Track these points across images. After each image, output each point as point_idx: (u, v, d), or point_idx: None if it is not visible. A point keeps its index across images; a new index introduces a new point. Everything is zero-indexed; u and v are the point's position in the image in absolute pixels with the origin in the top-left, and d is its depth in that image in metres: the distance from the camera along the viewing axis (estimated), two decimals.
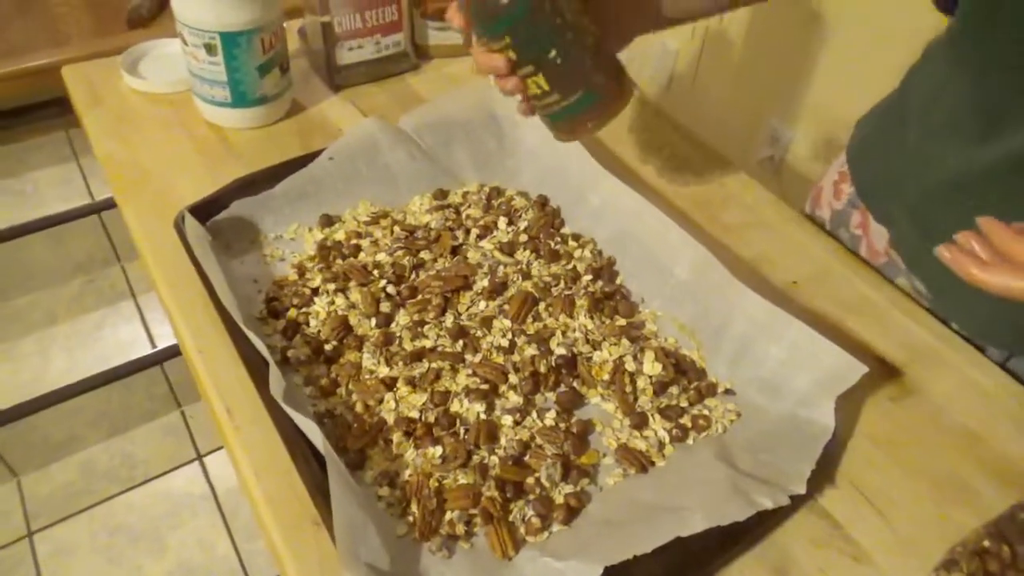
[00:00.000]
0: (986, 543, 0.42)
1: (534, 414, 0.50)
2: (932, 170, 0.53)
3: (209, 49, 0.65)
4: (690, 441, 0.49)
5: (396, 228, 0.62)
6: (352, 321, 0.55)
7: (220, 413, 0.50)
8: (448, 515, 0.45)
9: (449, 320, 0.55)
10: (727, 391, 0.52)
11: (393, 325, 0.55)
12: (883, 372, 0.54)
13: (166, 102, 0.74)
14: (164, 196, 0.64)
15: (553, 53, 0.47)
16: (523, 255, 0.60)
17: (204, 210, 0.59)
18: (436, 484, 0.46)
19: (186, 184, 0.65)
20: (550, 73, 0.48)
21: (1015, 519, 0.43)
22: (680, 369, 0.53)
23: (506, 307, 0.56)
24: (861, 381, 0.47)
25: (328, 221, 0.63)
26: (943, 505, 0.46)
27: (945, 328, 0.57)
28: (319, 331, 0.54)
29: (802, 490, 0.44)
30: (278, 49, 0.69)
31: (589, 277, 0.58)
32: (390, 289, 0.57)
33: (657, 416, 0.50)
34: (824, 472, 0.47)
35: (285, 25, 0.70)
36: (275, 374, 0.47)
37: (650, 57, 1.56)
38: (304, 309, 0.56)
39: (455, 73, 0.80)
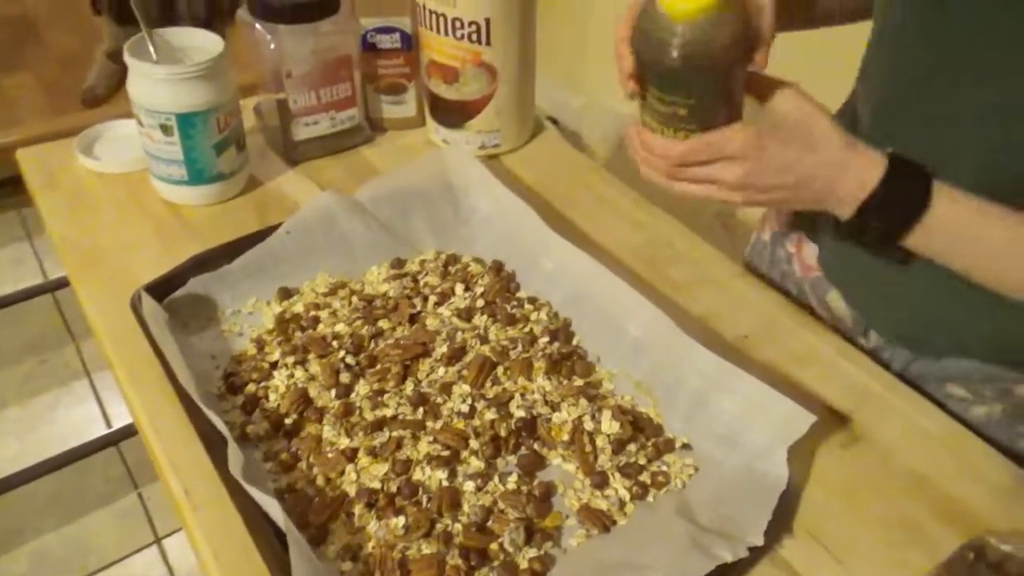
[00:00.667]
0: None
1: (496, 478, 0.50)
2: None
3: (165, 130, 0.66)
4: (650, 498, 0.50)
5: (354, 298, 0.62)
6: (312, 393, 0.55)
7: (178, 493, 0.49)
8: None
9: (409, 388, 0.56)
10: (684, 446, 0.53)
11: (353, 395, 0.55)
12: (833, 420, 0.55)
13: (122, 182, 0.75)
14: (120, 275, 0.64)
15: (712, 95, 0.47)
16: (480, 320, 0.61)
17: (161, 288, 0.60)
18: (399, 556, 0.46)
19: (143, 263, 0.65)
20: (702, 112, 0.47)
21: (964, 559, 0.44)
22: (638, 426, 0.54)
23: (465, 372, 0.57)
24: (812, 430, 0.49)
25: (286, 294, 0.63)
26: (897, 548, 0.48)
27: (889, 375, 0.59)
28: (278, 405, 0.54)
29: (760, 541, 0.45)
30: (234, 127, 0.70)
31: (546, 339, 0.60)
32: (349, 360, 0.57)
33: (617, 475, 0.51)
34: (781, 522, 0.48)
35: (241, 102, 0.72)
36: (234, 451, 0.47)
37: (601, 119, 1.61)
38: (263, 383, 0.56)
39: (409, 144, 0.83)
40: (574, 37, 1.68)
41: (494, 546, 0.47)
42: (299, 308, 0.62)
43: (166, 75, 0.64)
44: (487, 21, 0.71)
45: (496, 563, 0.46)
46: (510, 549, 0.46)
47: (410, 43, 0.78)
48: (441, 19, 0.72)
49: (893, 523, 0.49)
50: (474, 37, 0.72)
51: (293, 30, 0.71)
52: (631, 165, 0.53)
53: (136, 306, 0.58)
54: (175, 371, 0.52)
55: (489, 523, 0.48)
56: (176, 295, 0.60)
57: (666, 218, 0.74)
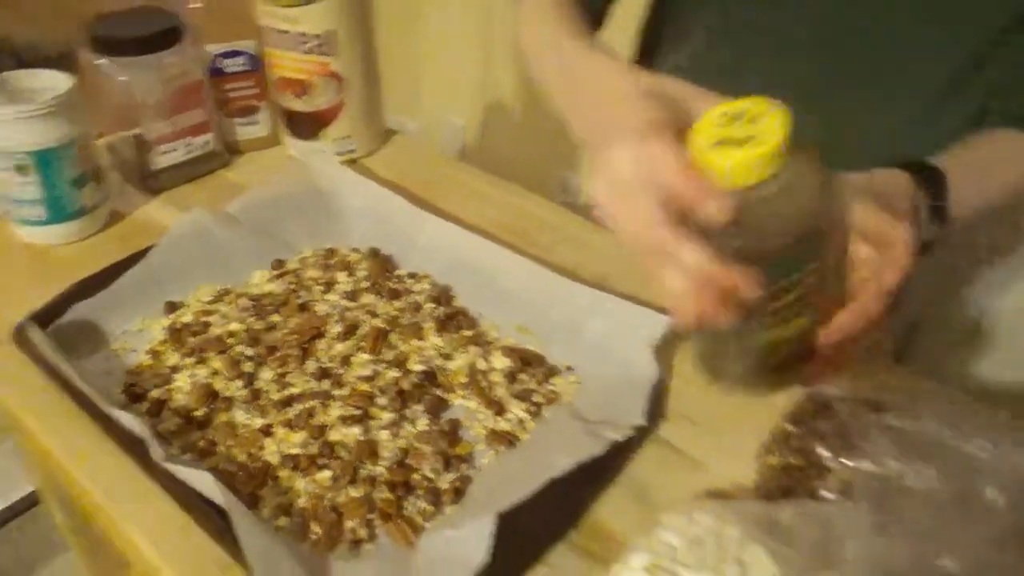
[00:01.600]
0: (788, 427, 0.52)
1: (407, 425, 0.55)
2: None
3: (21, 170, 0.67)
4: (545, 414, 0.56)
5: (242, 300, 0.65)
6: (217, 387, 0.57)
7: (101, 500, 0.50)
8: (349, 524, 0.48)
9: (311, 366, 0.59)
10: (568, 368, 0.60)
11: (258, 382, 0.58)
12: None
13: None
14: None
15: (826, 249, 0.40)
16: (367, 299, 0.66)
17: (43, 318, 0.60)
18: (331, 504, 0.49)
19: (9, 309, 0.64)
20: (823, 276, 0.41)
21: (812, 399, 0.53)
22: (525, 360, 0.60)
23: (362, 344, 0.61)
24: (673, 331, 0.57)
25: (172, 308, 0.65)
26: (759, 415, 0.56)
27: None
28: (185, 403, 0.56)
29: (643, 422, 0.52)
30: (91, 160, 0.71)
31: (431, 305, 0.65)
32: (248, 351, 0.60)
33: (513, 401, 0.57)
34: (659, 410, 0.55)
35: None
36: (151, 442, 0.49)
37: (439, 132, 1.69)
38: (166, 387, 0.58)
39: (268, 163, 0.86)
40: (407, 62, 1.76)
41: (416, 476, 0.51)
42: (188, 318, 0.64)
43: (17, 114, 0.65)
44: (330, 34, 0.76)
45: (420, 491, 0.50)
46: (431, 476, 0.51)
47: (257, 64, 0.82)
48: (287, 36, 0.76)
49: (753, 397, 0.58)
50: (321, 49, 0.77)
51: (139, 62, 0.74)
52: None
53: (21, 336, 0.58)
54: (77, 385, 0.53)
55: (408, 460, 0.52)
56: (61, 322, 0.60)
57: (525, 193, 0.81)
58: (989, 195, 0.59)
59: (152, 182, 0.79)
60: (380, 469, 0.52)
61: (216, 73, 0.81)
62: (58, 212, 0.70)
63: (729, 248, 0.36)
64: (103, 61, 0.73)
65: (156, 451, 0.48)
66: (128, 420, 0.50)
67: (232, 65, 0.82)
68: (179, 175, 0.81)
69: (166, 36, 0.75)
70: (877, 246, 0.44)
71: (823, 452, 0.49)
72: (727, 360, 0.40)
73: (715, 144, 0.35)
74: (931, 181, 0.52)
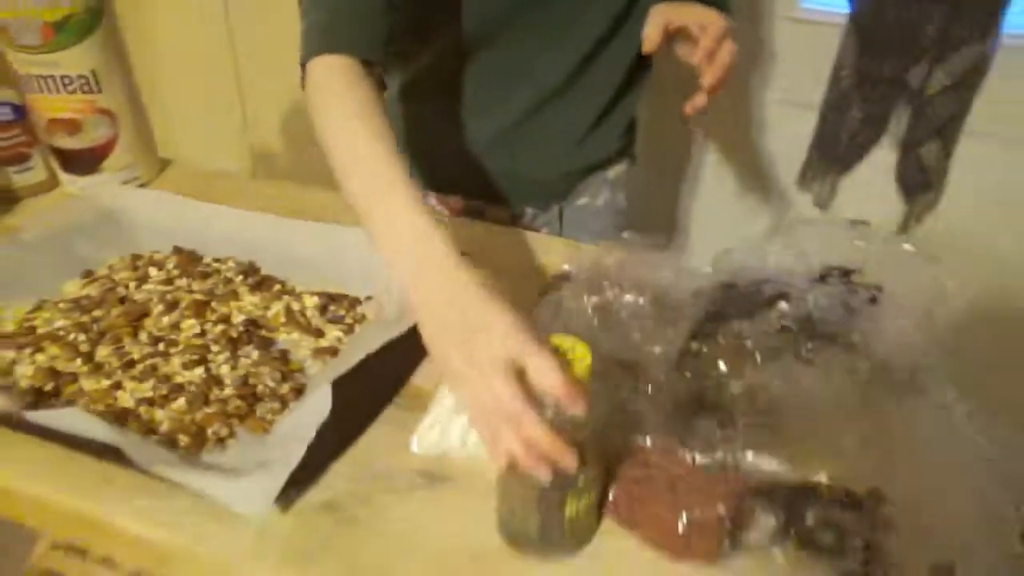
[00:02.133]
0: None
1: (243, 360, 0.66)
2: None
3: None
4: (357, 330, 0.70)
5: (60, 305, 0.72)
6: (60, 367, 0.64)
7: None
8: (210, 430, 0.58)
9: (144, 337, 0.68)
10: (368, 298, 0.74)
11: (97, 357, 0.65)
12: None
13: None
14: None
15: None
16: (181, 282, 0.75)
17: None
18: (191, 420, 0.59)
19: None
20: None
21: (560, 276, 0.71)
22: (332, 297, 0.73)
23: (186, 313, 0.70)
24: None
25: None
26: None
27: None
28: (31, 384, 0.62)
29: None
30: None
31: (240, 277, 0.76)
32: (81, 337, 0.67)
33: (329, 325, 0.70)
34: None
35: None
36: (6, 401, 0.55)
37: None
38: (9, 377, 0.63)
39: (48, 204, 0.91)
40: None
41: (260, 387, 0.62)
42: (11, 326, 0.69)
43: None
44: (93, 72, 0.85)
45: (266, 398, 0.62)
46: (272, 385, 0.62)
47: (21, 113, 0.88)
48: (50, 80, 0.84)
49: None
50: (85, 88, 0.85)
51: None
52: None
53: None
54: None
55: (250, 381, 0.63)
56: None
57: (303, 187, 0.94)
58: None
59: None
60: (228, 391, 0.62)
61: None
62: None
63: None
64: None
65: (14, 405, 0.55)
66: None
67: (1, 115, 0.87)
68: None
69: None
70: (702, 27, 0.77)
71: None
72: (530, 529, 0.50)
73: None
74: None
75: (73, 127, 0.87)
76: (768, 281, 0.68)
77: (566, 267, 0.67)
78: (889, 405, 0.58)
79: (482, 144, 0.93)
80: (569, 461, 0.46)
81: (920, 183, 1.37)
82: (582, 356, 0.47)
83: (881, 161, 1.40)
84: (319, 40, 0.68)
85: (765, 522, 0.50)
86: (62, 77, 0.84)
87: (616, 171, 1.00)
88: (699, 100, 0.81)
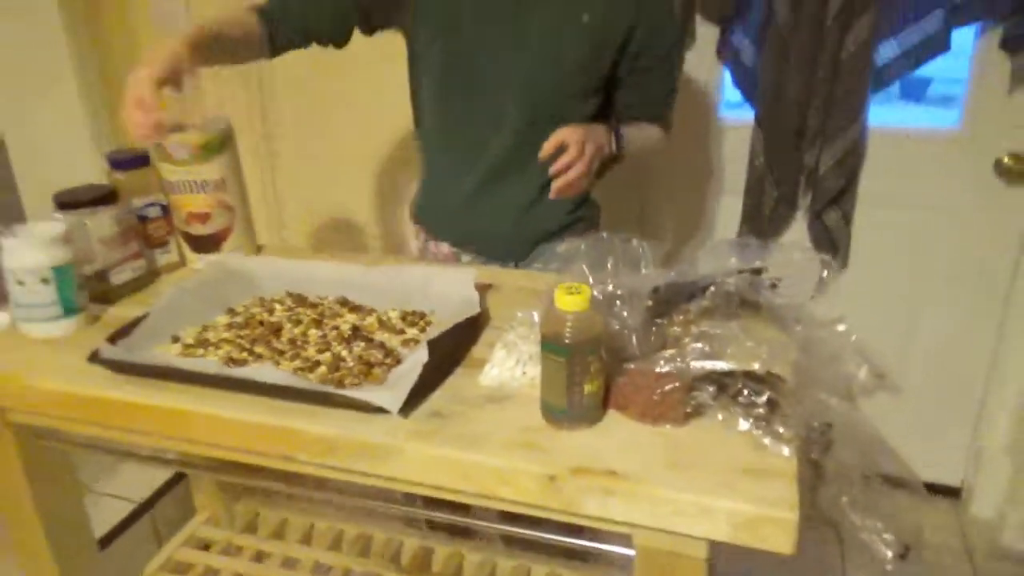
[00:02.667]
0: None
1: (355, 348, 0.97)
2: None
3: (43, 281, 1.00)
4: (427, 329, 1.02)
5: (220, 326, 1.03)
6: (235, 356, 0.95)
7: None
8: (346, 381, 0.89)
9: (284, 340, 0.99)
10: (431, 311, 1.06)
11: (256, 351, 0.96)
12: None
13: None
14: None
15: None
16: (298, 311, 1.07)
17: (105, 351, 0.93)
18: (332, 380, 0.90)
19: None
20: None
21: None
22: (406, 312, 1.06)
23: (309, 326, 1.02)
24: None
25: (175, 339, 1.00)
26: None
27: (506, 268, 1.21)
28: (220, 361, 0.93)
29: (479, 310, 1.00)
30: (81, 275, 1.06)
31: (338, 305, 1.08)
32: (242, 341, 0.98)
33: (408, 327, 1.02)
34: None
35: None
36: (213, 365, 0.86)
37: None
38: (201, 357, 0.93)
39: (181, 275, 1.23)
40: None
41: (373, 359, 0.93)
42: (190, 340, 1.00)
43: (42, 243, 0.99)
44: (222, 178, 1.20)
45: (377, 366, 0.92)
46: (380, 357, 0.94)
47: (166, 211, 1.22)
48: (192, 184, 1.19)
49: None
50: (215, 189, 1.20)
51: (93, 213, 1.11)
52: None
53: (97, 358, 0.91)
54: (161, 363, 0.88)
55: (363, 358, 0.94)
56: (131, 337, 0.94)
57: (339, 252, 1.28)
58: (636, 143, 1.25)
59: (110, 294, 1.13)
60: (351, 363, 0.93)
61: (141, 219, 1.20)
62: (69, 309, 1.03)
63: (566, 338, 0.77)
64: (70, 214, 1.09)
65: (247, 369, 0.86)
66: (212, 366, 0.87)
67: (150, 212, 1.21)
68: (126, 288, 1.16)
69: (110, 196, 1.13)
70: (572, 139, 1.11)
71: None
72: (564, 407, 0.80)
73: (562, 293, 0.78)
74: (617, 133, 1.19)
75: (204, 218, 1.21)
76: (703, 277, 1.03)
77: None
78: (781, 331, 0.92)
79: (456, 203, 1.31)
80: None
81: (828, 245, 1.75)
82: (585, 290, 0.80)
83: (799, 231, 1.80)
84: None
85: (707, 393, 0.82)
86: (201, 182, 1.19)
87: (569, 247, 1.32)
88: (552, 193, 1.16)
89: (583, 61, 1.21)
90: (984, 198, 1.67)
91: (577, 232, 1.32)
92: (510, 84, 1.22)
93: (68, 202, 1.11)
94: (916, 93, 2.26)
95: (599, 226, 1.39)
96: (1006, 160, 1.61)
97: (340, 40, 1.28)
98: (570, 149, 1.11)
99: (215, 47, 1.12)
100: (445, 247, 1.37)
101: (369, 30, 1.29)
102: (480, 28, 1.22)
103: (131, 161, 1.19)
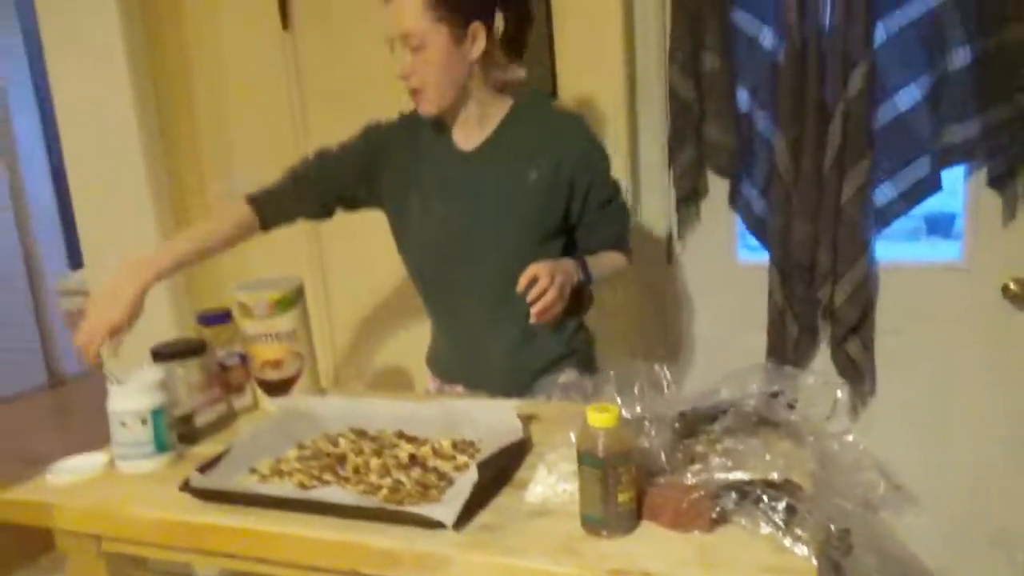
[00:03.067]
0: None
1: (413, 473, 1.08)
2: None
3: (142, 422, 1.15)
4: (476, 456, 1.13)
5: (292, 458, 1.15)
6: (306, 484, 1.06)
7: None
8: (407, 501, 0.99)
9: (348, 468, 1.11)
10: (479, 440, 1.18)
11: (324, 478, 1.08)
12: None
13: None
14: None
15: None
16: (361, 443, 1.19)
17: (195, 480, 1.06)
18: (393, 501, 1.00)
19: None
20: None
21: None
22: (455, 441, 1.17)
23: (371, 455, 1.14)
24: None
25: (253, 471, 1.13)
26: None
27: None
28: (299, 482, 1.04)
29: (523, 435, 1.11)
30: (172, 418, 1.20)
31: (395, 437, 1.20)
32: (312, 471, 1.10)
33: (459, 455, 1.13)
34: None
35: None
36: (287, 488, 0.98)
37: None
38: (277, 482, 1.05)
39: (255, 417, 1.37)
40: None
41: (429, 482, 1.04)
42: (266, 471, 1.12)
43: (144, 386, 1.15)
44: (294, 330, 1.37)
45: (432, 488, 1.03)
46: (435, 481, 1.04)
47: (244, 359, 1.39)
48: (268, 336, 1.35)
49: None
50: (288, 339, 1.36)
51: (184, 362, 1.28)
52: None
53: (189, 487, 1.03)
54: (252, 491, 1.01)
55: (420, 480, 1.05)
56: (215, 469, 1.07)
57: (403, 396, 1.42)
58: (600, 268, 1.40)
59: (195, 435, 1.28)
60: (409, 487, 1.04)
61: (223, 367, 1.36)
62: (160, 446, 1.17)
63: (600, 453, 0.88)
64: (165, 364, 1.26)
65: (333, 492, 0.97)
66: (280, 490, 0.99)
67: (230, 361, 1.37)
68: (208, 431, 1.30)
69: (199, 347, 1.30)
70: (543, 272, 1.24)
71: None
72: (601, 515, 0.90)
73: (594, 412, 0.89)
74: (582, 262, 1.34)
75: (277, 365, 1.37)
76: (725, 401, 1.13)
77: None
78: (798, 445, 1.01)
79: (455, 351, 1.48)
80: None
81: (854, 373, 1.84)
82: (614, 409, 0.91)
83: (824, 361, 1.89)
84: (254, 194, 1.44)
85: (731, 501, 0.91)
86: (276, 333, 1.36)
87: (565, 378, 1.39)
88: (532, 318, 1.26)
89: (535, 214, 1.38)
90: (996, 320, 1.76)
91: (573, 363, 1.45)
92: (476, 245, 1.39)
93: (163, 353, 1.28)
94: (943, 229, 2.38)
95: (594, 356, 1.52)
96: (1012, 286, 1.72)
97: (325, 219, 1.51)
98: (541, 280, 1.24)
99: (202, 258, 1.37)
100: (459, 388, 1.51)
101: (351, 210, 1.51)
102: (441, 200, 1.41)
103: (217, 318, 1.37)
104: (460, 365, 1.51)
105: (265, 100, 2.27)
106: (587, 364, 1.48)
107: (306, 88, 2.22)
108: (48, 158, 3.79)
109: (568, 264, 1.33)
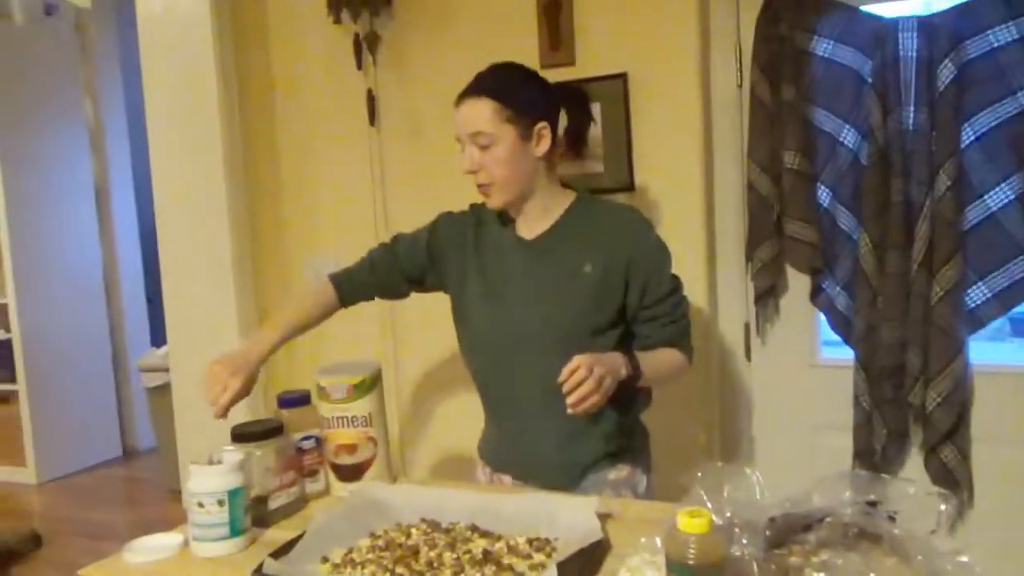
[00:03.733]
0: None
1: (486, 571, 1.04)
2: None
3: (220, 503, 1.15)
4: (552, 555, 1.09)
5: (364, 548, 1.13)
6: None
7: None
8: None
9: (421, 562, 1.08)
10: (556, 538, 1.14)
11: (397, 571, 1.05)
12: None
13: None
14: None
15: None
16: (434, 535, 1.16)
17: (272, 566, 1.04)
18: None
19: None
20: None
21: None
22: (531, 539, 1.13)
23: (443, 549, 1.11)
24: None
25: (324, 559, 1.11)
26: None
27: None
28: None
29: (601, 536, 1.07)
30: (248, 499, 1.20)
31: (469, 532, 1.17)
32: (384, 563, 1.08)
33: (535, 552, 1.09)
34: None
35: None
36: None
37: None
38: None
39: (328, 503, 1.36)
40: None
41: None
42: (338, 560, 1.10)
43: (224, 467, 1.16)
44: (370, 414, 1.37)
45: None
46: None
47: (319, 443, 1.39)
48: (344, 419, 1.36)
49: None
50: (364, 424, 1.37)
51: (262, 444, 1.28)
52: None
53: (266, 573, 1.02)
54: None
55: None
56: (288, 556, 1.05)
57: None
58: (654, 366, 1.36)
59: (269, 518, 1.27)
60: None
61: (298, 450, 1.36)
62: (235, 530, 1.16)
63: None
64: (242, 446, 1.27)
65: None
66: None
67: (306, 444, 1.38)
68: (281, 513, 1.29)
69: (276, 430, 1.32)
70: (583, 363, 1.22)
71: None
72: None
73: (685, 517, 0.85)
74: (631, 357, 1.31)
75: (352, 450, 1.37)
76: (818, 509, 1.07)
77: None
78: (903, 563, 0.94)
79: (506, 442, 1.47)
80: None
81: (949, 482, 1.72)
82: (706, 514, 0.87)
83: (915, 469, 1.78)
84: (337, 274, 1.54)
85: None
86: (352, 417, 1.36)
87: (616, 474, 1.42)
88: (569, 409, 1.24)
89: (589, 305, 1.39)
90: None
91: (627, 460, 1.44)
92: (528, 335, 1.40)
93: (243, 434, 1.29)
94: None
95: (648, 453, 1.50)
96: None
97: (399, 297, 1.60)
98: (580, 371, 1.23)
99: (296, 334, 1.48)
100: (507, 479, 1.48)
101: (421, 290, 1.58)
102: (499, 287, 1.44)
103: (296, 400, 1.39)
104: (509, 455, 1.49)
105: (350, 189, 2.36)
106: (642, 461, 1.46)
107: (387, 179, 2.30)
108: (140, 240, 4.00)
109: (614, 358, 1.31)
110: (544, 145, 1.40)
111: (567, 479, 1.40)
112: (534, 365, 1.39)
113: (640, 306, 1.40)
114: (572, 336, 1.37)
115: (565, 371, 1.25)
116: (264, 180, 2.48)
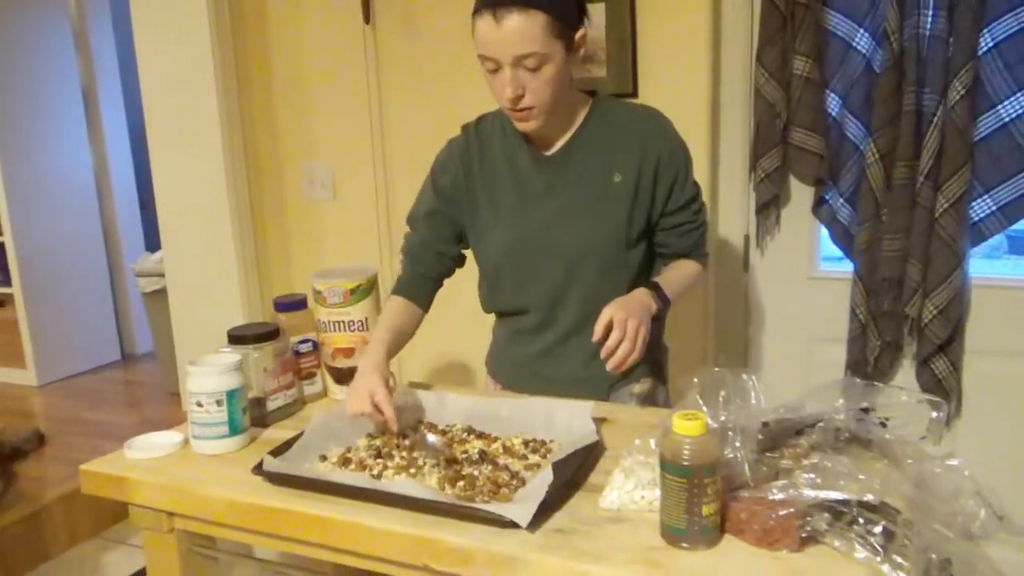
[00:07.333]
0: None
1: (483, 470, 1.06)
2: None
3: (218, 403, 1.16)
4: (548, 456, 1.10)
5: (361, 448, 1.15)
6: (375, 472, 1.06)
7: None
8: (478, 498, 0.98)
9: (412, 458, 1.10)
10: (551, 440, 1.15)
11: (393, 464, 1.07)
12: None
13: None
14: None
15: None
16: (429, 436, 1.18)
17: (265, 464, 1.06)
18: (465, 497, 0.99)
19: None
20: None
21: None
22: (528, 440, 1.15)
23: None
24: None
25: (323, 459, 1.12)
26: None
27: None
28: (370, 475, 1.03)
29: (596, 438, 1.08)
30: (247, 400, 1.21)
31: (466, 433, 1.19)
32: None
33: (531, 453, 1.11)
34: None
35: None
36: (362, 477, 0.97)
37: None
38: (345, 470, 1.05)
39: (324, 404, 1.37)
40: None
41: (500, 481, 1.02)
42: (335, 459, 1.12)
43: (222, 369, 1.16)
44: (366, 318, 1.37)
45: (504, 486, 1.01)
46: (506, 479, 1.02)
47: (316, 346, 1.39)
48: (341, 323, 1.36)
49: None
50: (360, 328, 1.36)
51: (259, 347, 1.28)
52: None
53: (265, 469, 1.03)
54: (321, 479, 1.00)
55: (492, 477, 1.03)
56: (287, 454, 1.07)
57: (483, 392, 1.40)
58: (678, 287, 1.33)
59: (267, 418, 1.28)
60: (481, 483, 1.02)
61: (296, 354, 1.37)
62: (234, 429, 1.17)
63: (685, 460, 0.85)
64: (238, 348, 1.27)
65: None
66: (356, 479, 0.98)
67: (303, 348, 1.38)
68: (279, 414, 1.31)
69: (273, 333, 1.31)
70: (617, 319, 1.16)
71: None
72: (684, 527, 0.86)
73: (680, 419, 0.87)
74: (655, 286, 1.26)
75: (349, 353, 1.37)
76: (811, 414, 1.08)
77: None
78: (892, 466, 0.95)
79: (527, 362, 1.39)
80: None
81: (939, 392, 1.75)
82: (702, 417, 0.87)
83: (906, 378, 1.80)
84: (395, 287, 1.39)
85: (822, 520, 0.86)
86: (349, 321, 1.36)
87: (640, 387, 1.37)
88: (609, 370, 1.17)
89: (623, 218, 1.30)
90: None
91: (647, 372, 1.38)
92: (559, 252, 1.31)
93: (239, 336, 1.29)
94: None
95: (666, 366, 1.46)
96: None
97: (463, 262, 1.44)
98: (615, 331, 1.15)
99: (402, 342, 1.34)
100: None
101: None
102: (521, 208, 1.33)
103: (292, 304, 1.38)
104: (528, 375, 1.39)
105: (344, 90, 2.29)
106: (661, 374, 1.44)
107: (383, 79, 2.23)
108: (131, 147, 3.92)
109: (641, 299, 1.24)
110: (583, 53, 1.25)
111: (592, 395, 1.33)
112: (566, 285, 1.32)
113: (663, 212, 1.33)
114: (607, 252, 1.30)
115: (599, 328, 1.16)
116: (256, 81, 2.40)
